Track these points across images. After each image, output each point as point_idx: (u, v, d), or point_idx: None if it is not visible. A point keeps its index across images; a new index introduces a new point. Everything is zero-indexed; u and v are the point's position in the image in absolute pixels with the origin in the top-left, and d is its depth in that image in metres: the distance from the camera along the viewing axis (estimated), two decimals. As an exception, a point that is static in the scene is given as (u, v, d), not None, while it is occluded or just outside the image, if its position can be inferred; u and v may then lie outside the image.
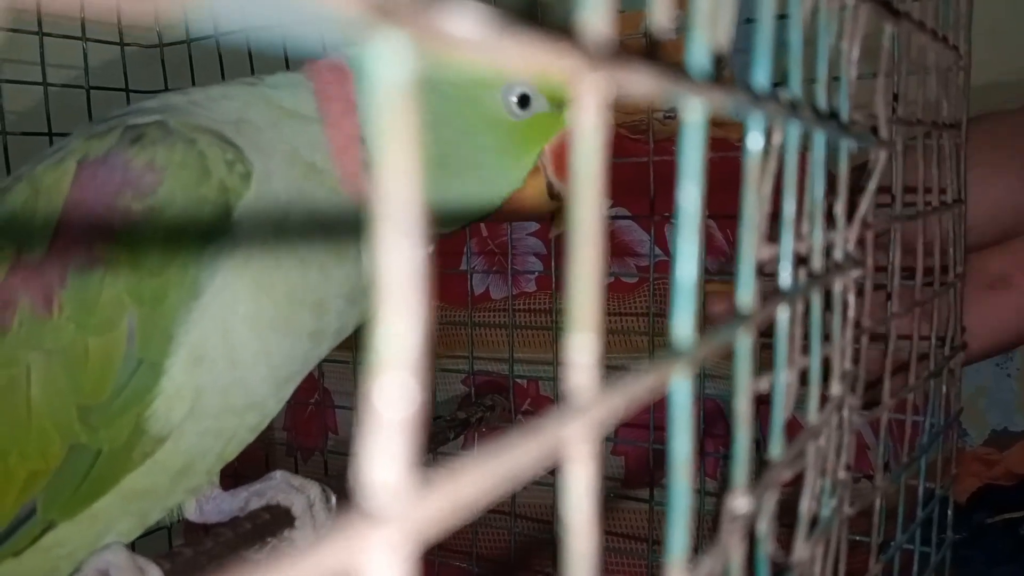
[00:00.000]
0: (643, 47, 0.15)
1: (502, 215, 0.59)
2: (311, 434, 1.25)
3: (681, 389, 0.18)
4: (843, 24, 0.32)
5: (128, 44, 1.02)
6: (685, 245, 0.17)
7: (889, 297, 0.46)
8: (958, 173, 0.58)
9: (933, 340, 0.54)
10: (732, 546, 0.22)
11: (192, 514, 0.61)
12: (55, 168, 0.50)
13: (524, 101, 0.55)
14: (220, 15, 0.08)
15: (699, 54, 0.17)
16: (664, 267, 1.06)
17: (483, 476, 0.11)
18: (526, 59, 0.11)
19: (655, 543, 0.99)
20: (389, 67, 0.09)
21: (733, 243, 1.14)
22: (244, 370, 0.52)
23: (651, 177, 0.90)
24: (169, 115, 0.51)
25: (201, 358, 0.50)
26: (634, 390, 0.15)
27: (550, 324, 1.03)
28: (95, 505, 0.52)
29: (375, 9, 0.08)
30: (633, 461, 1.04)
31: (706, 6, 0.16)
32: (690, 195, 0.17)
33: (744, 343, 0.21)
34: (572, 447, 0.13)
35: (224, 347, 0.50)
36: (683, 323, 0.18)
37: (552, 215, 0.60)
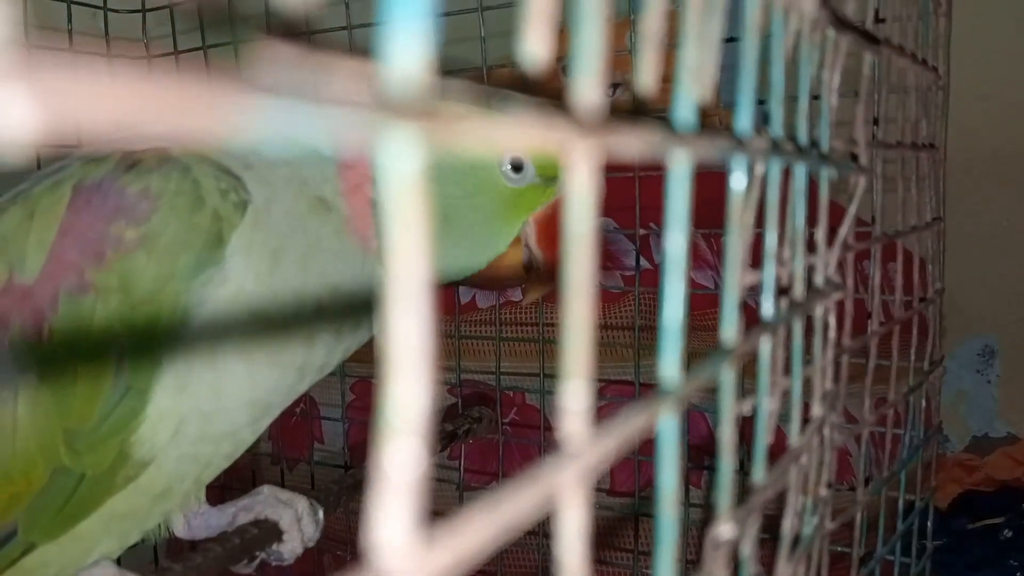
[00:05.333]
0: (630, 102, 0.15)
1: (478, 280, 0.60)
2: (296, 444, 1.25)
3: (668, 427, 0.18)
4: (824, 54, 0.33)
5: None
6: (671, 288, 0.18)
7: (869, 316, 0.47)
8: (936, 191, 0.59)
9: (912, 356, 0.55)
10: (717, 572, 0.23)
11: (180, 530, 0.62)
12: (51, 192, 0.50)
13: (518, 167, 0.56)
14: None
15: (685, 108, 0.17)
16: (649, 277, 1.07)
17: (482, 529, 0.11)
18: (522, 134, 0.12)
19: (640, 554, 0.99)
20: (399, 160, 0.09)
21: (719, 254, 1.15)
22: (227, 400, 0.52)
23: (636, 188, 0.91)
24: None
25: (185, 386, 0.50)
26: (623, 433, 0.16)
27: (536, 335, 1.04)
28: (78, 527, 0.52)
29: (383, 107, 0.09)
30: (619, 470, 1.05)
31: (692, 63, 0.17)
32: (676, 242, 0.18)
33: (728, 377, 0.22)
34: (566, 493, 0.14)
35: (210, 376, 0.51)
36: (669, 363, 0.18)
37: (525, 283, 0.61)
